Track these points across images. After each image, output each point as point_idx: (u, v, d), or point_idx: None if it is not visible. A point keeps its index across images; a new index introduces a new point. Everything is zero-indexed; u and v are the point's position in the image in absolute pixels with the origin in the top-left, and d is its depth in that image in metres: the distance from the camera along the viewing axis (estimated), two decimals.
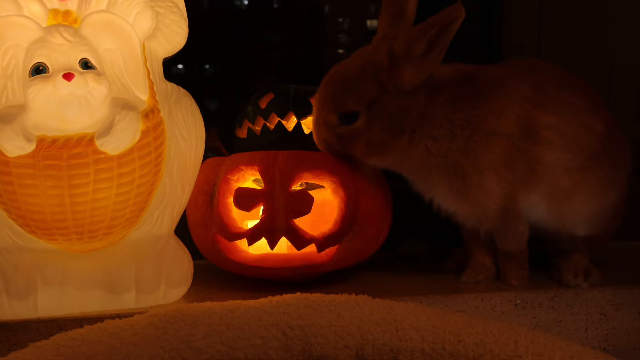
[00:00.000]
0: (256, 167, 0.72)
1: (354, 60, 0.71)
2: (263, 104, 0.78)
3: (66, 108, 0.59)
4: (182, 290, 0.71)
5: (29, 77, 0.60)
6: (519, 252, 0.75)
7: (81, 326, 0.55)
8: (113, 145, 0.61)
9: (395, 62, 0.68)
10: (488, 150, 0.69)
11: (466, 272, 0.76)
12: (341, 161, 0.73)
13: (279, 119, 0.76)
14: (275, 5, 1.10)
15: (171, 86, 0.70)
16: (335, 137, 0.71)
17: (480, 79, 0.71)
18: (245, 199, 0.71)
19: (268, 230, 0.70)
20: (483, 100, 0.70)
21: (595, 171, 0.72)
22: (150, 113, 0.64)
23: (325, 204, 0.72)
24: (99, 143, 0.61)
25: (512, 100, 0.70)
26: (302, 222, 0.71)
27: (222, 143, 0.83)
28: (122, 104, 0.62)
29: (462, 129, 0.69)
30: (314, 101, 0.77)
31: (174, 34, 0.69)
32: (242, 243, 0.72)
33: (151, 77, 0.66)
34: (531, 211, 0.74)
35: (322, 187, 0.72)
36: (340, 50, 1.11)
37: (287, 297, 0.61)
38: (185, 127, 0.69)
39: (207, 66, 1.09)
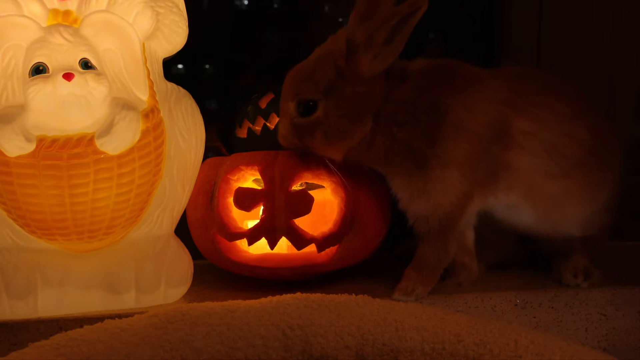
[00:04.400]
0: (256, 167, 0.72)
1: (314, 53, 0.70)
2: (263, 104, 0.78)
3: (66, 108, 0.60)
4: (182, 290, 0.71)
5: (29, 77, 0.60)
6: (432, 268, 0.70)
7: (81, 326, 0.55)
8: (113, 145, 0.61)
9: (354, 49, 0.66)
10: (455, 144, 0.67)
11: (448, 274, 0.74)
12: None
13: (279, 119, 0.76)
14: (275, 5, 1.10)
15: (171, 86, 0.70)
16: (293, 129, 0.69)
17: (458, 71, 0.70)
18: (245, 199, 0.71)
19: (268, 230, 0.70)
20: (456, 91, 0.67)
21: (584, 176, 0.72)
22: (150, 113, 0.64)
23: (325, 204, 0.72)
24: (99, 143, 0.61)
25: (489, 99, 0.68)
26: (302, 222, 0.71)
27: (222, 143, 0.83)
28: (122, 104, 0.62)
29: (426, 115, 0.66)
30: None
31: (174, 34, 0.69)
32: (242, 243, 0.73)
33: (151, 77, 0.66)
34: (517, 216, 0.73)
35: (322, 187, 0.72)
36: None
37: (287, 297, 0.61)
38: (185, 127, 0.69)
39: (207, 66, 1.09)
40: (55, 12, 0.63)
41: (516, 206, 0.72)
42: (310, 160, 0.71)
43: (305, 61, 0.70)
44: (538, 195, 0.71)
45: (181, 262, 0.70)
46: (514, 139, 0.68)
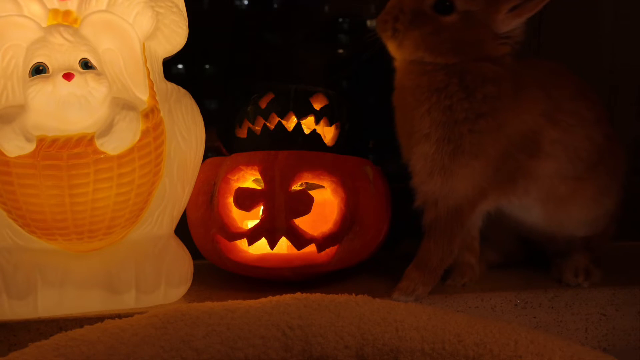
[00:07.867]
0: (256, 167, 0.72)
1: None
2: (263, 104, 0.78)
3: (66, 108, 0.60)
4: (182, 290, 0.71)
5: (29, 77, 0.60)
6: (434, 268, 0.70)
7: (81, 326, 0.55)
8: (113, 145, 0.61)
9: None
10: (493, 140, 0.68)
11: (452, 275, 0.74)
12: (341, 161, 0.73)
13: (279, 119, 0.76)
14: (275, 5, 1.10)
15: (171, 86, 0.70)
16: (416, 11, 0.68)
17: (513, 76, 0.70)
18: (245, 199, 0.71)
19: (268, 230, 0.70)
20: (505, 96, 0.68)
21: (594, 180, 0.73)
22: (150, 113, 0.64)
23: (325, 204, 0.72)
24: (99, 143, 0.61)
25: (531, 111, 0.69)
26: (302, 222, 0.71)
27: (222, 143, 0.83)
28: (122, 104, 0.62)
29: (469, 103, 0.67)
30: (314, 100, 0.77)
31: (174, 34, 0.69)
32: (242, 243, 0.73)
33: (151, 77, 0.66)
34: (525, 214, 0.74)
35: (322, 187, 0.72)
36: (340, 50, 1.11)
37: (287, 297, 0.61)
38: (185, 127, 0.70)
39: (207, 66, 1.09)
40: (55, 12, 0.63)
41: (527, 206, 0.73)
42: (310, 160, 0.71)
43: None
44: (550, 196, 0.72)
45: (181, 262, 0.70)
46: (542, 149, 0.70)
